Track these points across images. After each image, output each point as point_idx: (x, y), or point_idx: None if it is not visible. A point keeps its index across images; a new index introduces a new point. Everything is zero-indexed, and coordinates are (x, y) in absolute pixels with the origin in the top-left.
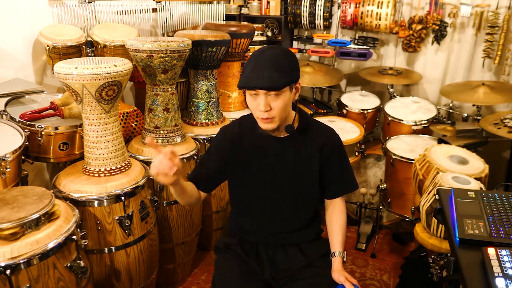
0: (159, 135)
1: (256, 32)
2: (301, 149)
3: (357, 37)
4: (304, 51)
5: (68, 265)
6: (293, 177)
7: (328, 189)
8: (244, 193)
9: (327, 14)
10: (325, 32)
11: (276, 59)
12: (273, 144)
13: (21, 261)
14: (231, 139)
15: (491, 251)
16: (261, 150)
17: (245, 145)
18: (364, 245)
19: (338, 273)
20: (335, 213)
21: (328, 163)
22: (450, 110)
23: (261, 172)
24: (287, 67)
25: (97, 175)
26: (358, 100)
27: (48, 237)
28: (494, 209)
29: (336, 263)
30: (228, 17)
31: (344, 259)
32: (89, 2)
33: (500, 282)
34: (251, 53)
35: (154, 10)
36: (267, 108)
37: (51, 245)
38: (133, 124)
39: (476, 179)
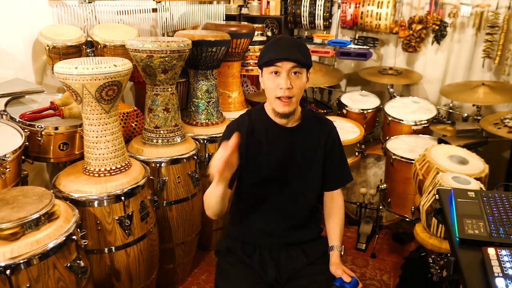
0: (159, 135)
1: (256, 32)
2: (308, 139)
3: (357, 37)
4: None
5: (68, 265)
6: (300, 167)
7: (328, 180)
8: (252, 184)
9: (327, 14)
10: (325, 32)
11: (298, 42)
12: (282, 133)
13: (21, 261)
14: (242, 133)
15: (491, 251)
16: (270, 142)
17: (255, 137)
18: (364, 245)
19: (335, 266)
20: (334, 208)
21: (330, 154)
22: (450, 110)
23: (269, 162)
24: (306, 51)
25: (97, 175)
26: (358, 100)
27: (48, 237)
28: (494, 209)
29: (334, 256)
30: (228, 17)
31: (342, 253)
32: (89, 2)
33: (500, 282)
34: (251, 53)
35: (154, 10)
36: (288, 85)
37: (51, 245)
38: (133, 124)
39: (476, 179)
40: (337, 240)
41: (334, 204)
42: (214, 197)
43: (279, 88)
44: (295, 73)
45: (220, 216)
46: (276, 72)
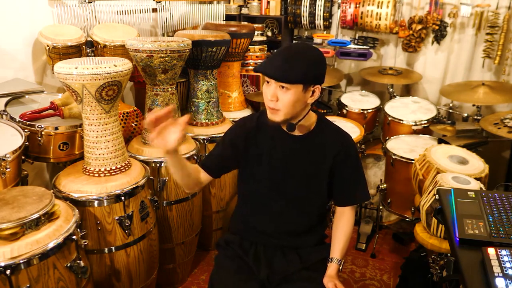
0: None
1: (256, 32)
2: (315, 150)
3: (357, 37)
4: None
5: (68, 265)
6: (302, 176)
7: (339, 196)
8: (252, 187)
9: (327, 14)
10: (325, 32)
11: (296, 54)
12: (287, 140)
13: (21, 261)
14: (248, 131)
15: (491, 251)
16: (274, 145)
17: (260, 138)
18: (364, 245)
19: (328, 278)
20: (342, 221)
21: (341, 170)
22: (450, 110)
23: (271, 167)
24: (303, 66)
25: (97, 175)
26: (358, 100)
27: (48, 237)
28: (494, 209)
29: (331, 269)
30: (228, 17)
31: (341, 267)
32: (89, 2)
33: (500, 282)
34: (251, 53)
35: (154, 10)
36: (273, 98)
37: (51, 245)
38: (133, 124)
39: (476, 179)
40: (338, 253)
41: (343, 219)
42: (170, 168)
43: (267, 97)
44: (282, 87)
45: (190, 188)
46: (268, 81)
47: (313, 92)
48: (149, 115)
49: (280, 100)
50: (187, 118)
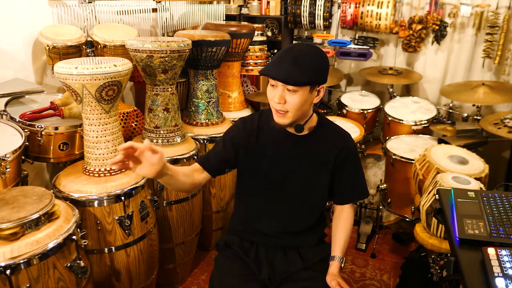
0: (159, 135)
1: (256, 32)
2: (316, 150)
3: (357, 37)
4: None
5: (68, 265)
6: (303, 177)
7: (338, 195)
8: (252, 187)
9: (327, 14)
10: (325, 32)
11: (302, 56)
12: (289, 141)
13: (21, 261)
14: (249, 131)
15: (491, 251)
16: (276, 146)
17: (261, 139)
18: (364, 245)
19: (331, 277)
20: (342, 219)
21: (341, 169)
22: (450, 110)
23: (272, 167)
24: (310, 67)
25: (97, 175)
26: (358, 100)
27: (48, 237)
28: (494, 209)
29: (333, 267)
30: (228, 17)
31: (342, 265)
32: (89, 2)
33: (500, 282)
34: (251, 53)
35: (154, 10)
36: (281, 101)
37: (51, 245)
38: (133, 124)
39: (476, 179)
40: (339, 251)
41: (343, 216)
42: (165, 184)
43: (273, 100)
44: (289, 89)
45: (188, 191)
46: (273, 84)
47: (318, 92)
48: (115, 160)
49: (288, 102)
50: (147, 141)
